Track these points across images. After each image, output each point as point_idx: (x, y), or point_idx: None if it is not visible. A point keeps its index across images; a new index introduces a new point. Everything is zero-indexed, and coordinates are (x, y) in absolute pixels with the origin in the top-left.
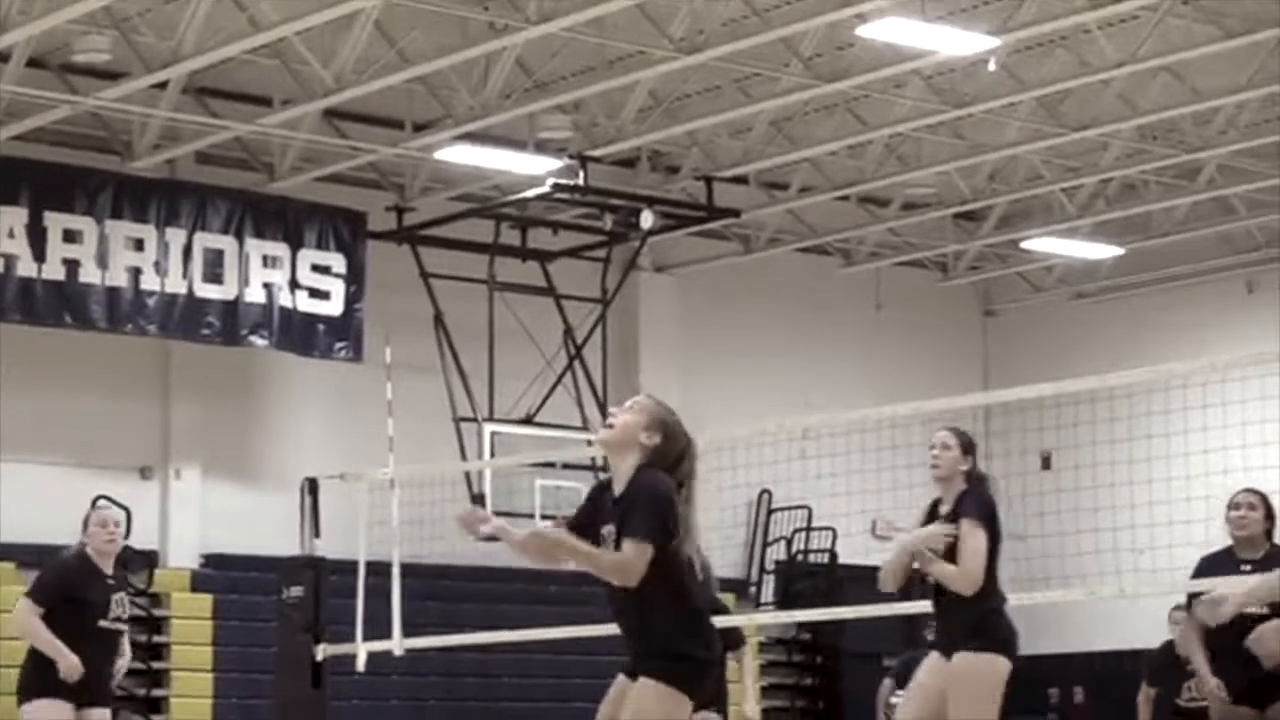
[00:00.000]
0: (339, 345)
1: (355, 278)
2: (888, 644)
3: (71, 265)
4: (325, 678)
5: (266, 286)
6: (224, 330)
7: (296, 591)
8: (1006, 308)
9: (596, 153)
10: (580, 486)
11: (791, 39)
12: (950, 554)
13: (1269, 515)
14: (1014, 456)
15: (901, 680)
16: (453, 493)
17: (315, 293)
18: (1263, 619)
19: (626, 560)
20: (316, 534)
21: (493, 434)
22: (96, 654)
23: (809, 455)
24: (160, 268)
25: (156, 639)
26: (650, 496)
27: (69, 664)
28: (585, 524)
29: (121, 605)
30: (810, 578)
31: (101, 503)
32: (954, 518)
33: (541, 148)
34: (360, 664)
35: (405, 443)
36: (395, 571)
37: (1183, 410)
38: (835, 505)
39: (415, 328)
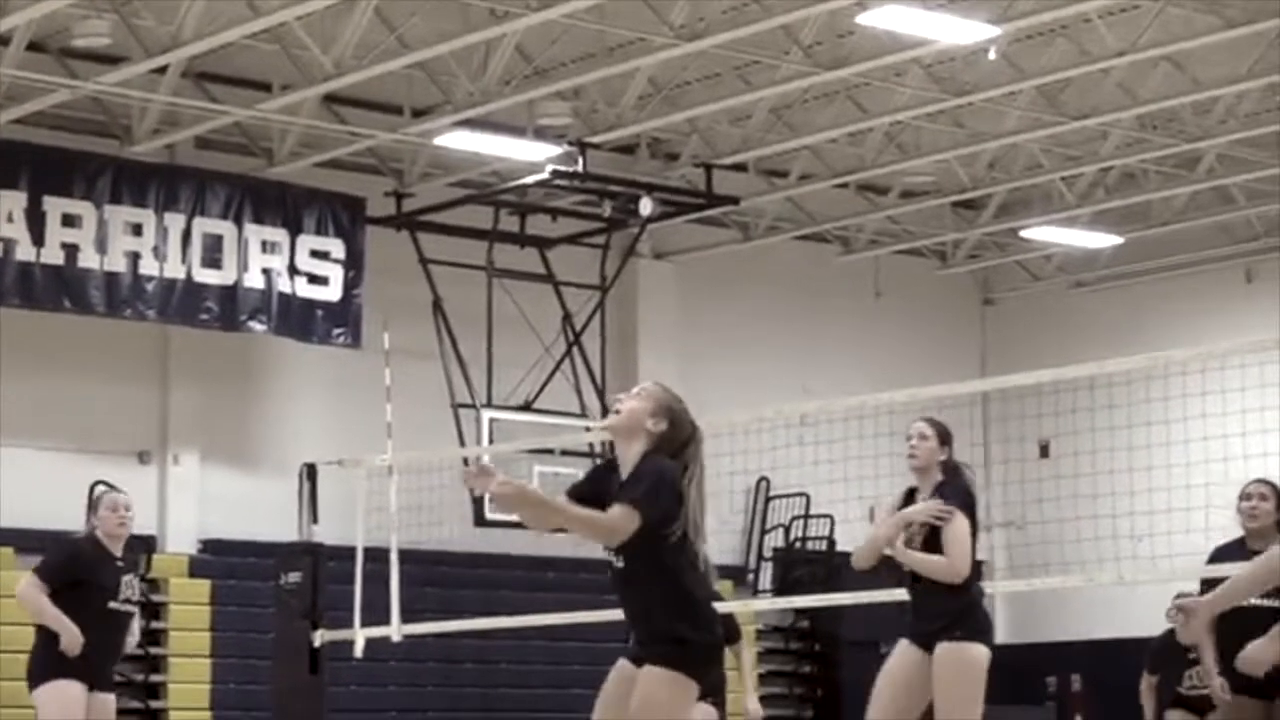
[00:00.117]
0: (337, 331)
1: (354, 263)
2: (886, 631)
3: (70, 250)
4: (323, 663)
5: (265, 272)
6: (223, 315)
7: (294, 577)
8: (1005, 296)
9: (596, 139)
10: (578, 473)
11: (792, 26)
12: (930, 542)
13: None
14: (1013, 444)
15: None
16: (451, 479)
17: (314, 278)
18: (1274, 611)
19: (611, 520)
20: (315, 520)
21: (491, 420)
22: (107, 636)
23: (807, 442)
24: (159, 253)
25: (154, 624)
26: (653, 475)
27: (71, 636)
28: (582, 498)
29: (131, 587)
30: (808, 565)
31: (100, 488)
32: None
33: (541, 134)
34: (358, 650)
35: (403, 429)
36: (393, 557)
37: (1182, 398)
38: (833, 492)
39: (414, 314)
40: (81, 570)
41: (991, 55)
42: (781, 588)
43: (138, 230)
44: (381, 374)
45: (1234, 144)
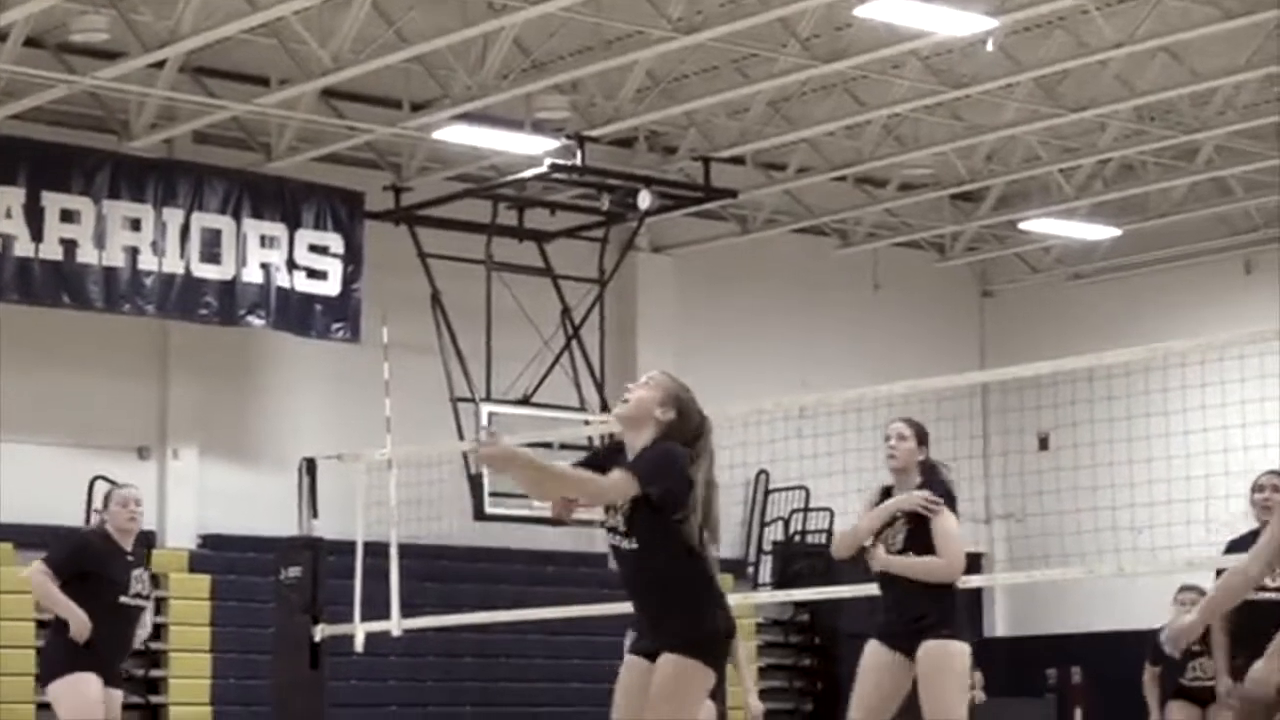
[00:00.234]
0: (336, 325)
1: (353, 258)
2: None
3: (69, 245)
4: (323, 658)
5: (264, 267)
6: (221, 310)
7: (294, 572)
8: (1004, 288)
9: (594, 133)
10: None
11: (789, 19)
12: (915, 536)
13: None
14: (1012, 436)
15: None
16: (450, 473)
17: (313, 273)
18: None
19: (605, 480)
20: (314, 514)
21: (490, 414)
22: (117, 630)
23: (806, 435)
24: (158, 248)
25: (154, 619)
26: (659, 453)
27: (79, 622)
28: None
29: (141, 581)
30: (808, 558)
31: (102, 484)
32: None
33: (539, 128)
34: (358, 644)
35: (403, 423)
36: (393, 552)
37: (1181, 389)
38: (833, 485)
39: (412, 308)
40: (92, 563)
41: (989, 47)
42: (781, 581)
43: (136, 225)
44: (380, 368)
45: (1232, 135)
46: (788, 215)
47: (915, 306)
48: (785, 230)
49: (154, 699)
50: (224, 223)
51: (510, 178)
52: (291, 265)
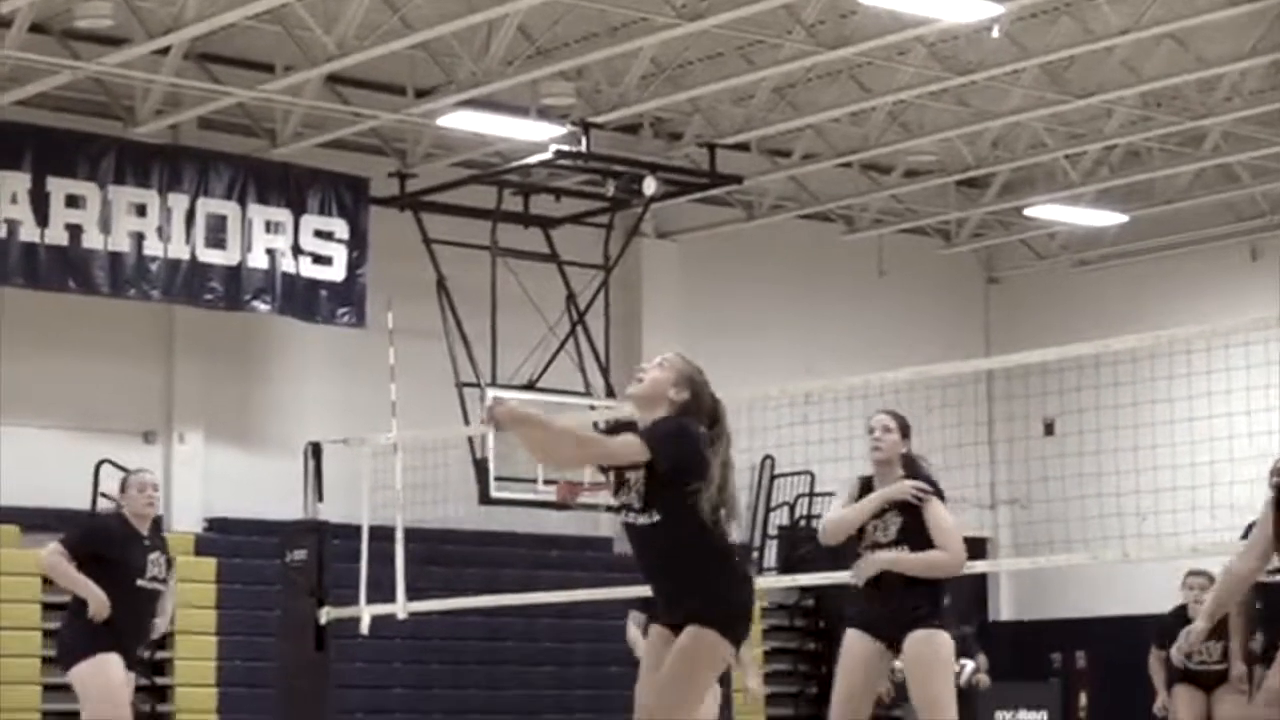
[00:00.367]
0: (342, 311)
1: (358, 243)
2: None
3: (74, 230)
4: (328, 641)
5: (269, 252)
6: (227, 295)
7: (300, 555)
8: (1009, 275)
9: (599, 119)
10: None
11: (794, 6)
12: (907, 527)
13: None
14: (1017, 422)
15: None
16: (456, 457)
17: (318, 258)
18: None
19: (617, 443)
20: (320, 498)
21: (495, 399)
22: (135, 614)
23: (811, 421)
24: (163, 233)
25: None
26: (671, 425)
27: (97, 600)
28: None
29: (158, 565)
30: (813, 543)
31: (106, 467)
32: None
33: (544, 114)
34: (364, 627)
35: (408, 407)
36: (399, 535)
37: (1186, 376)
38: (838, 471)
39: (418, 293)
40: (108, 546)
41: (995, 34)
42: (786, 566)
43: (142, 211)
44: (386, 353)
45: (1238, 122)
46: (793, 201)
47: (920, 293)
48: (790, 216)
49: (160, 680)
50: (229, 208)
51: (515, 164)
52: (297, 250)
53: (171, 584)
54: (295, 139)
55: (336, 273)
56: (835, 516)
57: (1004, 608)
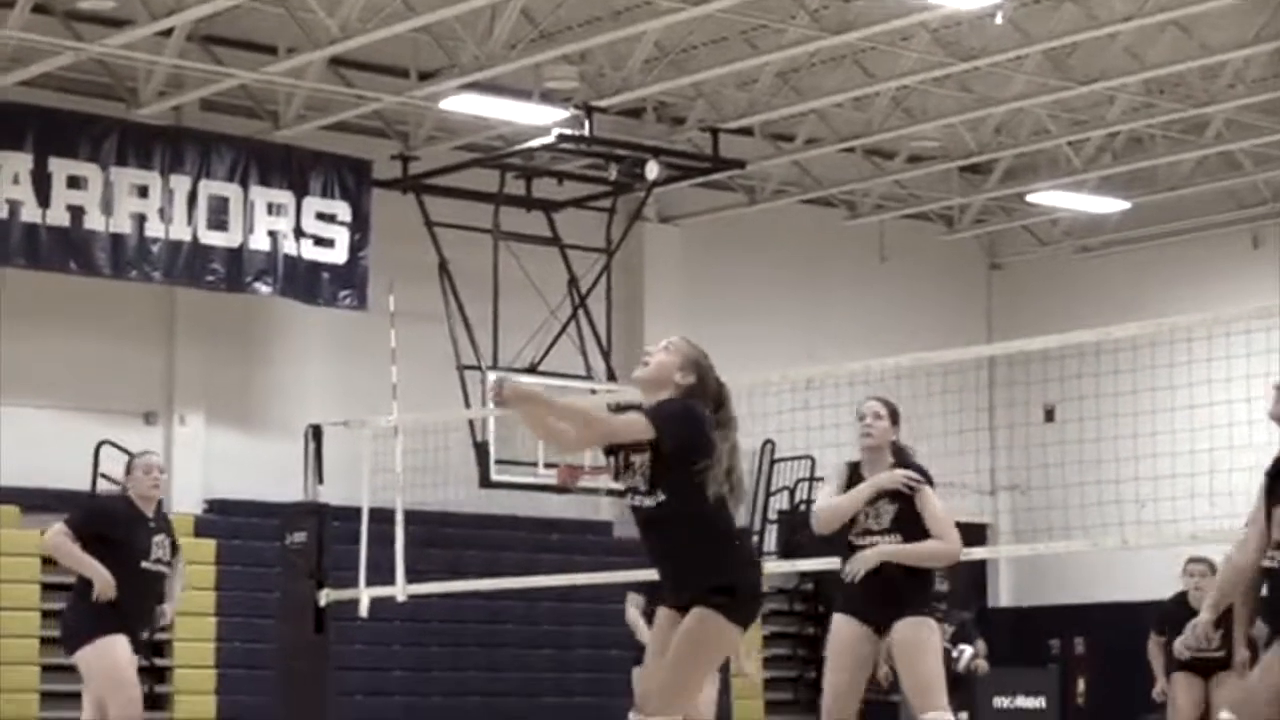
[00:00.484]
0: (343, 293)
1: (360, 226)
2: None
3: (76, 211)
4: (328, 623)
5: (271, 234)
6: (229, 277)
7: (300, 537)
8: (1012, 261)
9: (602, 103)
10: None
11: None
12: (901, 516)
13: None
14: (1018, 408)
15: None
16: (455, 440)
17: (320, 240)
18: None
19: (622, 421)
20: (320, 480)
21: (502, 377)
22: (140, 596)
23: (812, 406)
24: (165, 215)
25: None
26: (676, 405)
27: (102, 579)
28: None
29: (162, 548)
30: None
31: (107, 448)
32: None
33: (547, 98)
34: (363, 609)
35: (409, 390)
36: (399, 518)
37: (1187, 364)
38: (839, 456)
39: (420, 276)
40: (113, 527)
41: (998, 20)
42: (785, 551)
43: (143, 192)
44: (387, 336)
45: (1241, 109)
46: (795, 186)
47: (923, 278)
48: (793, 201)
49: (159, 662)
50: (231, 190)
51: (518, 147)
52: (299, 233)
53: (180, 569)
54: (298, 121)
55: (338, 255)
56: (829, 505)
57: (1003, 594)
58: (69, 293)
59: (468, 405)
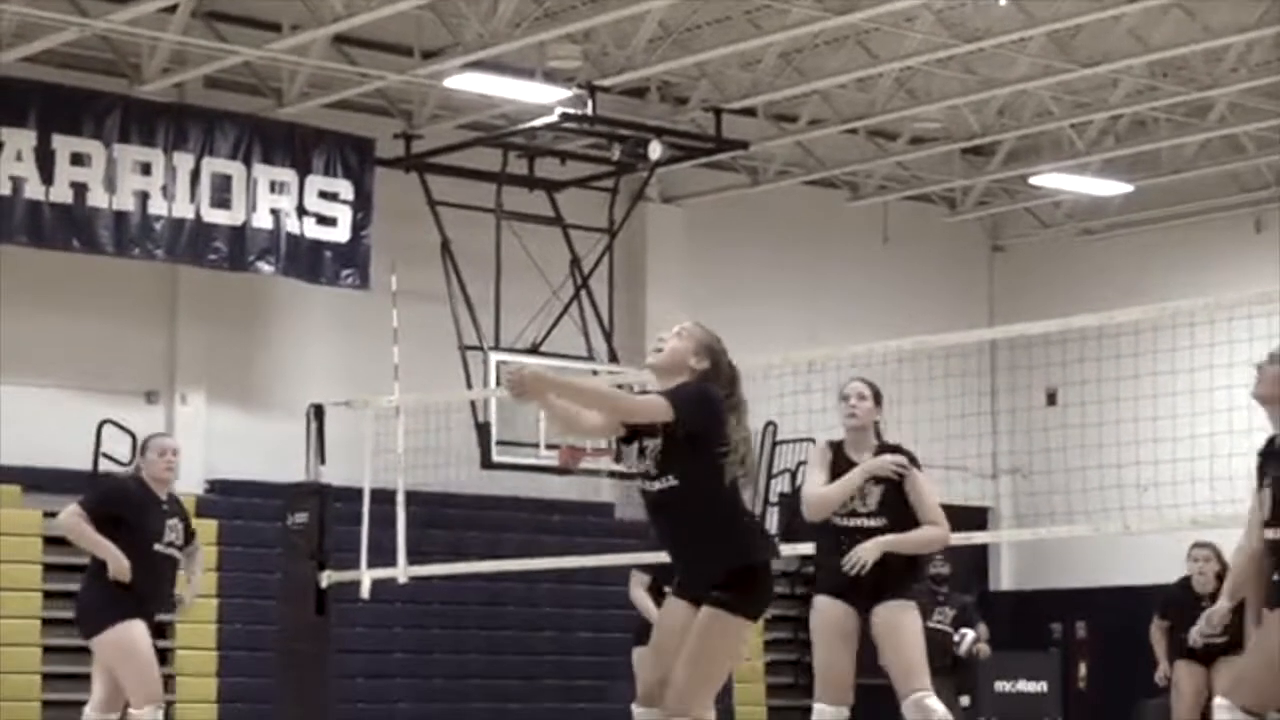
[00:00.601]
0: (346, 272)
1: (363, 205)
2: None
3: (79, 189)
4: (329, 604)
5: (274, 212)
6: (231, 256)
7: (301, 518)
8: (1014, 243)
9: (605, 82)
10: None
11: None
12: (887, 501)
13: None
14: (1020, 392)
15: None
16: (457, 421)
17: (322, 219)
18: None
19: (642, 401)
20: (322, 461)
21: (498, 363)
22: (153, 579)
23: (815, 389)
24: (168, 192)
25: None
26: (693, 388)
27: (116, 560)
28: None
29: (175, 532)
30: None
31: (108, 427)
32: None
33: (550, 77)
34: (364, 591)
35: (411, 370)
36: (400, 499)
37: (1189, 348)
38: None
39: (422, 256)
40: (126, 508)
41: (1002, 1)
42: (786, 534)
43: (146, 170)
44: (389, 315)
45: (1245, 92)
46: (798, 167)
47: (925, 260)
48: (796, 182)
49: (161, 643)
50: (234, 168)
51: (521, 126)
52: (301, 211)
53: (198, 555)
54: (301, 99)
55: (341, 234)
56: (819, 494)
57: (1004, 578)
58: (71, 271)
59: (469, 386)
